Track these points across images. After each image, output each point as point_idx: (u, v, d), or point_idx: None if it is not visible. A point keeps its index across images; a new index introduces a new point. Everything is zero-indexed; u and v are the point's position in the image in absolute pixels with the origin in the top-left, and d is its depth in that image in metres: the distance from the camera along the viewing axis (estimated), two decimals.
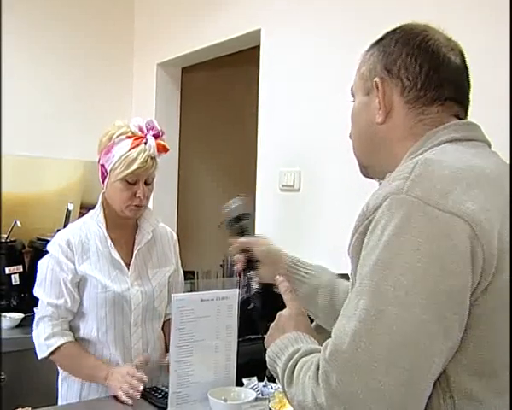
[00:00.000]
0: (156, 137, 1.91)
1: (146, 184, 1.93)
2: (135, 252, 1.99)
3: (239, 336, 1.76)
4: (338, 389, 0.83)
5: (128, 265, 1.98)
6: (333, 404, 0.84)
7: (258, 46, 2.80)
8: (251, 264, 1.46)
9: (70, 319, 1.94)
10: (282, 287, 1.27)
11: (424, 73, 1.01)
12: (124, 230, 2.01)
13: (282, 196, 2.64)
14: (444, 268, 0.82)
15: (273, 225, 2.71)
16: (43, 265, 1.96)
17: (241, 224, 1.49)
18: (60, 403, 1.98)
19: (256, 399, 1.65)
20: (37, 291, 1.95)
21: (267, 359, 1.10)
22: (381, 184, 1.03)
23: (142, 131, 1.90)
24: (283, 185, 2.62)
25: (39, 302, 1.95)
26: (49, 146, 3.34)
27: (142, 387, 1.77)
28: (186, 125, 3.74)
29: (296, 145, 2.59)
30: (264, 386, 1.80)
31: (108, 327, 1.92)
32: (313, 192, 2.49)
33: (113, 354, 1.93)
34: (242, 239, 1.50)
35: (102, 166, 1.94)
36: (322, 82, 2.45)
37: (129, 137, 1.89)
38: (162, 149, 1.92)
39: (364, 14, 2.25)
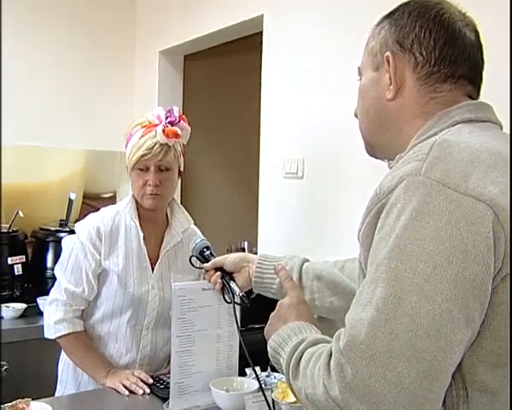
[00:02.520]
0: (172, 123, 1.88)
1: (159, 171, 1.89)
2: (162, 253, 1.97)
3: (241, 326, 1.74)
4: (354, 381, 0.79)
5: (153, 264, 1.95)
6: (348, 397, 0.80)
7: (261, 32, 2.77)
8: (227, 277, 1.53)
9: (84, 307, 1.92)
10: (282, 275, 1.24)
11: (438, 48, 0.96)
12: (154, 226, 1.98)
13: (286, 184, 2.61)
14: (466, 254, 0.78)
15: (276, 212, 2.68)
16: (68, 246, 1.93)
17: (204, 254, 1.61)
18: (57, 391, 1.98)
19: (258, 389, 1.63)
20: (57, 271, 1.93)
21: (269, 349, 1.06)
22: (390, 164, 1.00)
23: (160, 119, 1.87)
24: (287, 173, 2.59)
25: (56, 282, 1.93)
26: (50, 135, 3.31)
27: (148, 390, 1.77)
28: (189, 113, 3.68)
29: (300, 133, 2.56)
30: (267, 376, 1.78)
31: (120, 325, 1.91)
32: (317, 180, 2.47)
33: (119, 352, 1.92)
34: (210, 263, 1.57)
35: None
36: (325, 68, 2.42)
37: (143, 127, 1.89)
38: (171, 134, 1.87)
39: None
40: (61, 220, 3.09)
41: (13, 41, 3.18)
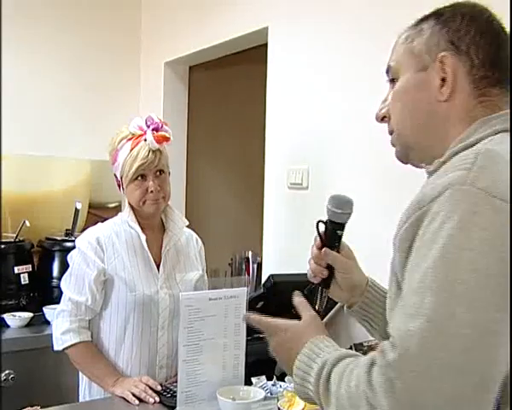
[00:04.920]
0: (156, 130, 1.93)
1: (157, 176, 1.95)
2: (163, 253, 2.00)
3: (247, 335, 1.76)
4: (404, 396, 0.76)
5: (158, 266, 1.99)
6: None
7: (266, 44, 2.79)
8: (326, 282, 1.23)
9: (89, 317, 1.94)
10: (299, 303, 1.15)
11: (493, 51, 0.97)
12: (152, 231, 2.03)
13: (291, 194, 2.63)
14: None
15: (281, 223, 2.70)
16: (71, 259, 1.98)
17: (340, 234, 1.22)
18: (81, 398, 1.99)
19: (265, 398, 1.64)
20: (63, 284, 1.97)
21: (295, 387, 1.00)
22: (428, 168, 0.99)
23: (142, 129, 1.93)
24: (291, 183, 2.60)
25: (63, 295, 1.97)
26: (56, 145, 3.34)
27: (157, 398, 1.77)
28: (194, 124, 3.73)
29: (304, 143, 2.58)
30: (273, 385, 1.79)
31: (135, 329, 1.93)
32: (321, 190, 2.48)
33: (137, 356, 1.93)
34: (332, 254, 1.23)
35: (115, 175, 1.99)
36: (330, 79, 2.44)
37: (129, 140, 1.94)
38: (162, 139, 1.94)
39: (373, 11, 2.23)
40: (66, 230, 3.12)
41: (18, 52, 3.22)
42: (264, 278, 2.47)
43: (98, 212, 3.35)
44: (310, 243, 2.50)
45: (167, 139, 1.96)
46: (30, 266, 2.94)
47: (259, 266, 3.08)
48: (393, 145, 1.10)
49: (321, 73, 2.48)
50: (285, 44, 2.68)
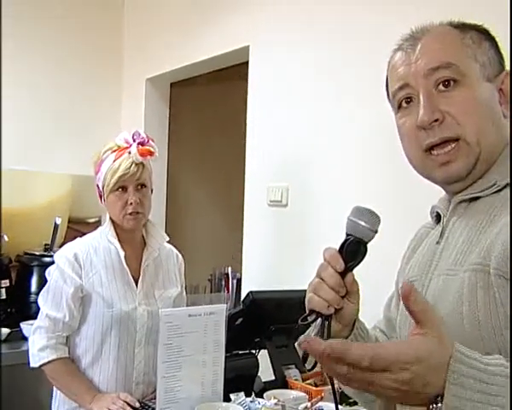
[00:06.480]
0: (142, 144, 1.95)
1: (138, 189, 1.96)
2: (142, 267, 2.01)
3: (226, 352, 1.76)
4: None
5: (136, 282, 1.99)
6: None
7: (247, 62, 2.83)
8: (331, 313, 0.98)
9: (67, 334, 1.93)
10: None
11: None
12: (132, 246, 2.03)
13: (270, 212, 2.65)
14: None
15: (260, 240, 2.72)
16: (49, 274, 1.97)
17: (359, 251, 0.97)
18: None
19: None
20: (40, 300, 1.96)
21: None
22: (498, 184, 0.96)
23: (128, 142, 1.94)
24: (271, 201, 2.63)
25: (40, 311, 1.95)
26: (36, 160, 3.33)
27: None
28: (175, 139, 3.75)
29: (284, 161, 2.61)
30: (251, 401, 1.79)
31: (112, 345, 1.92)
32: (301, 208, 2.51)
33: (113, 372, 1.93)
34: (355, 280, 0.99)
35: (97, 186, 2.00)
36: (309, 98, 2.48)
37: (113, 151, 1.96)
38: (147, 153, 1.96)
39: (352, 31, 2.28)
40: (45, 245, 3.09)
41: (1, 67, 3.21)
42: (243, 295, 2.49)
43: (78, 227, 3.34)
44: (288, 259, 2.53)
45: (151, 153, 1.97)
46: (8, 281, 2.90)
47: (239, 282, 3.09)
48: (450, 160, 0.97)
49: (301, 91, 2.52)
50: (265, 63, 2.72)
